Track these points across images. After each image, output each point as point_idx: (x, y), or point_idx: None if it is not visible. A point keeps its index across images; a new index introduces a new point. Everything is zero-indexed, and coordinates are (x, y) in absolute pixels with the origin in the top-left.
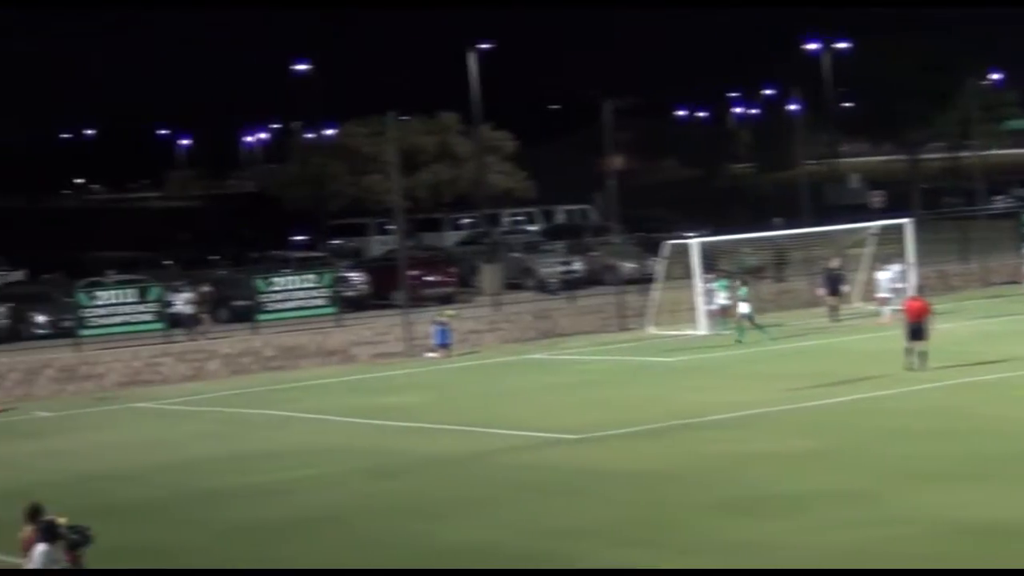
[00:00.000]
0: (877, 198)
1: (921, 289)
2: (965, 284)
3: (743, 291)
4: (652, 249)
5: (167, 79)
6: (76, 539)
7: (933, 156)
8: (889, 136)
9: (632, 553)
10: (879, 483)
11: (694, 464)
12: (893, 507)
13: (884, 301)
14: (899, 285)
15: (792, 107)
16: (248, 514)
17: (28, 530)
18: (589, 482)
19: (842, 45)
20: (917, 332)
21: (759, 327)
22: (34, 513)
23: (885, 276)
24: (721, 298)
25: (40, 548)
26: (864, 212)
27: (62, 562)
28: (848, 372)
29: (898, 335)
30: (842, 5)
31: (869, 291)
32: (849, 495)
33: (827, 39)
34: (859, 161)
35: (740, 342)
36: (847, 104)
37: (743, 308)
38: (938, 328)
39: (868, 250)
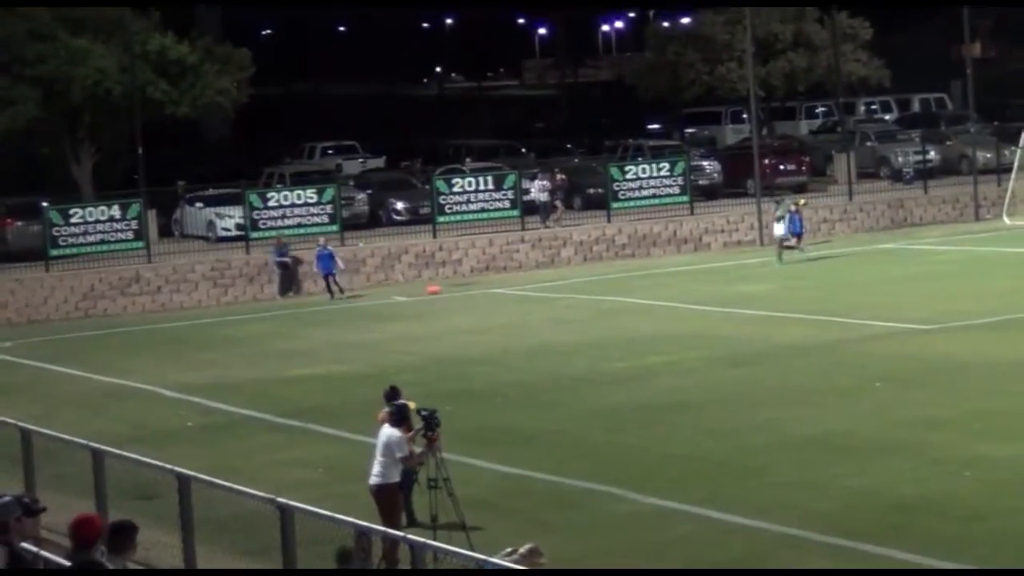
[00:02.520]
0: None
1: None
2: None
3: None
4: (1009, 139)
5: None
6: (428, 422)
7: None
8: None
9: (992, 447)
10: None
11: None
12: None
13: None
14: None
15: None
16: (605, 398)
17: (385, 411)
18: (944, 373)
19: None
20: None
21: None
22: (390, 394)
23: None
24: None
25: (387, 431)
26: None
27: (404, 447)
28: None
29: None
30: None
31: None
32: None
33: None
34: None
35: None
36: None
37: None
38: None
39: None
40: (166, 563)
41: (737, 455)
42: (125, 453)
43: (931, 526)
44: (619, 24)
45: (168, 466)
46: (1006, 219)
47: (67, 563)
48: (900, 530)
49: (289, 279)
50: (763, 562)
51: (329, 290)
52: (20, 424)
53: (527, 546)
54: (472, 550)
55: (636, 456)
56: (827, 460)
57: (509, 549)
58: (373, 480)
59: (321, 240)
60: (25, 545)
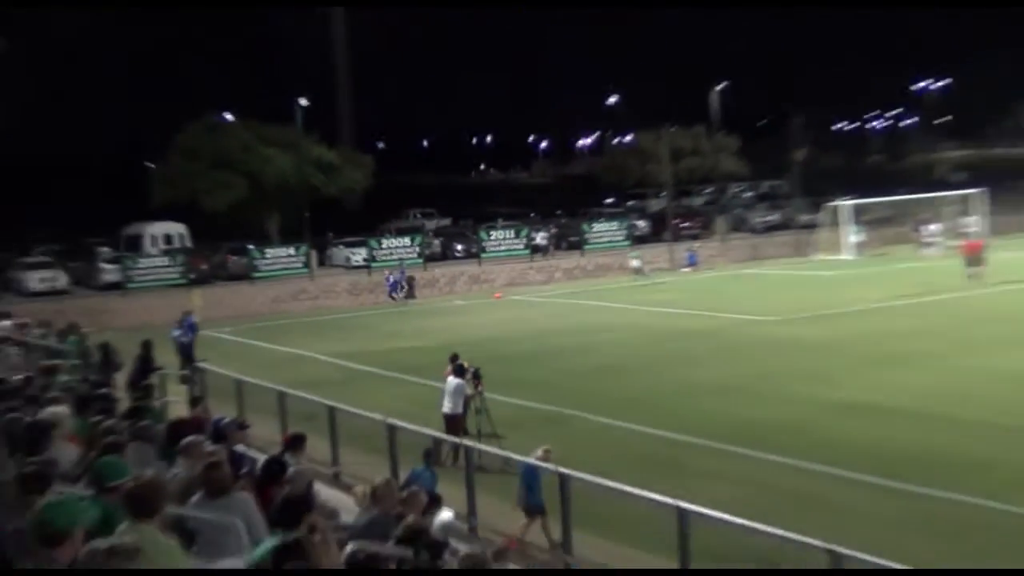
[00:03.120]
0: (959, 178)
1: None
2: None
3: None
4: (819, 207)
5: (537, 108)
6: (475, 374)
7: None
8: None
9: (808, 387)
10: (967, 347)
11: (848, 335)
12: (963, 361)
13: (932, 243)
14: (970, 229)
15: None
16: (578, 361)
17: (449, 368)
18: (784, 345)
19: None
20: (974, 262)
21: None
22: (453, 358)
23: (937, 226)
24: (854, 237)
25: (452, 380)
26: (950, 187)
27: (464, 390)
28: (940, 284)
29: (956, 261)
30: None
31: (948, 233)
32: (937, 353)
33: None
34: (957, 154)
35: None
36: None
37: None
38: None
39: (949, 209)
40: (321, 457)
41: (656, 395)
42: (298, 392)
43: (772, 437)
44: (589, 141)
45: (322, 400)
46: (818, 255)
47: (263, 457)
48: (753, 439)
49: (407, 290)
50: (675, 454)
51: (411, 296)
52: (235, 376)
53: (542, 448)
54: (502, 451)
55: (596, 394)
56: (713, 397)
57: (534, 452)
58: (446, 410)
59: (395, 271)
60: (238, 448)
